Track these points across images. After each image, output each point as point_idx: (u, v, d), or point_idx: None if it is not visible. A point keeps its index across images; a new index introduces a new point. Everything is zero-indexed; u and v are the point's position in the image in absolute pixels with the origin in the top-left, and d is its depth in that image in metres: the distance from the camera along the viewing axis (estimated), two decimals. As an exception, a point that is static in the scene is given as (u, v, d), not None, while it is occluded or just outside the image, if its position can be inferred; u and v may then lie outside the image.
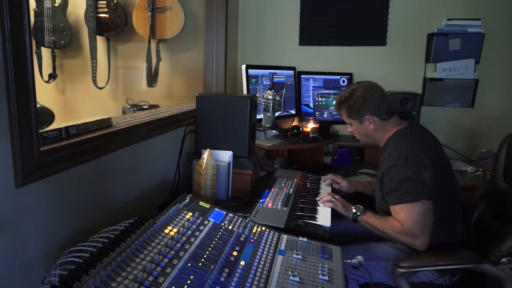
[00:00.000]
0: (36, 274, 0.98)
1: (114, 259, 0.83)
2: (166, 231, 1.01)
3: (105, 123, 1.31)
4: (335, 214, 1.51)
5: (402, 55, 2.68)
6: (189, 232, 1.04)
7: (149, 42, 2.86)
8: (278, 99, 2.07)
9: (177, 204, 1.16)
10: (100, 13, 2.80)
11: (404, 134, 1.54)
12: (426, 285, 1.45)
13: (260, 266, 0.99)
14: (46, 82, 2.89)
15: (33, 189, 0.94)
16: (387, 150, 1.52)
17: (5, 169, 0.86)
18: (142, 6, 2.82)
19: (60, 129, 1.07)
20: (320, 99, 2.60)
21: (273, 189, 1.68)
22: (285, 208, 1.48)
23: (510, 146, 1.59)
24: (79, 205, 1.14)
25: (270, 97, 2.02)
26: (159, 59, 2.92)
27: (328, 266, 1.04)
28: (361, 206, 1.49)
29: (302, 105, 2.56)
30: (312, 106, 2.58)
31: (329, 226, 1.39)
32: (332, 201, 1.54)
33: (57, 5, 2.76)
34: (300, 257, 1.06)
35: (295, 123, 2.49)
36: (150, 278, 0.81)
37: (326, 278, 0.97)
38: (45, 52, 2.85)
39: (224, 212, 1.22)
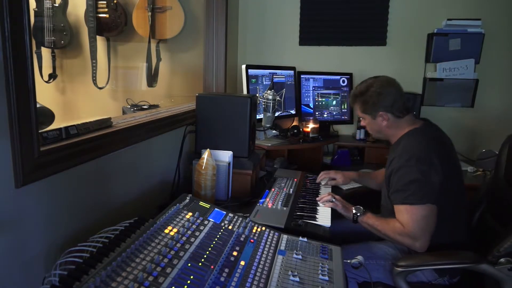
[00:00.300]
0: (36, 274, 0.98)
1: (114, 259, 0.83)
2: (166, 231, 1.01)
3: (105, 123, 1.31)
4: (334, 214, 1.51)
5: (402, 55, 2.68)
6: (189, 232, 1.04)
7: (149, 42, 2.86)
8: (278, 99, 2.07)
9: (177, 204, 1.16)
10: (100, 13, 2.80)
11: (417, 134, 1.50)
12: (425, 285, 1.45)
13: (260, 266, 0.99)
14: (46, 82, 2.89)
15: (33, 189, 0.94)
16: (398, 148, 1.49)
17: (5, 169, 0.86)
18: (142, 6, 2.82)
19: (60, 129, 1.07)
20: (320, 99, 2.60)
21: (273, 189, 1.68)
22: (285, 208, 1.48)
23: (511, 147, 1.58)
24: (79, 205, 1.14)
25: (270, 97, 2.02)
26: (159, 59, 2.92)
27: (328, 266, 1.04)
28: (361, 207, 1.49)
29: (302, 105, 2.56)
30: (312, 106, 2.58)
31: (329, 226, 1.39)
32: (332, 201, 1.54)
33: (57, 5, 2.76)
34: (300, 257, 1.06)
35: (295, 123, 2.49)
36: (150, 278, 0.81)
37: (326, 278, 0.97)
38: (45, 52, 2.85)
39: (224, 212, 1.22)
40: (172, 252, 0.92)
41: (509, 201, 1.53)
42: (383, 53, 2.70)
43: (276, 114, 2.14)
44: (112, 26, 2.84)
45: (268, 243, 1.12)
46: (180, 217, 1.10)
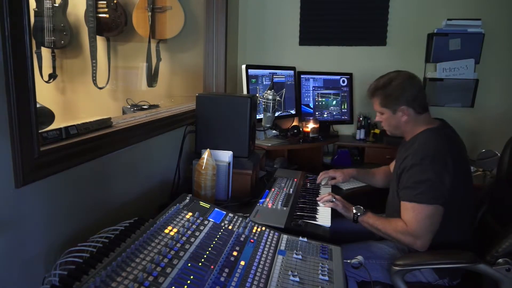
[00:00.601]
0: (36, 274, 0.98)
1: (114, 259, 0.83)
2: (166, 231, 1.01)
3: (105, 123, 1.31)
4: (334, 213, 1.51)
5: (402, 55, 2.68)
6: (189, 232, 1.04)
7: (149, 42, 2.86)
8: (278, 99, 2.07)
9: (177, 204, 1.16)
10: (100, 13, 2.80)
11: (434, 133, 1.48)
12: (425, 285, 1.45)
13: (260, 266, 0.99)
14: (46, 82, 2.89)
15: (33, 189, 0.94)
16: (413, 146, 1.47)
17: (5, 169, 0.86)
18: (142, 6, 2.82)
19: (60, 129, 1.07)
20: (320, 99, 2.60)
21: (273, 189, 1.68)
22: (285, 208, 1.48)
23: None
24: (79, 205, 1.14)
25: (270, 97, 2.02)
26: (159, 59, 2.92)
27: (328, 266, 1.04)
28: (361, 207, 1.49)
29: (302, 105, 2.56)
30: (312, 106, 2.58)
31: (329, 226, 1.39)
32: (332, 201, 1.54)
33: (57, 5, 2.76)
34: (300, 257, 1.06)
35: (295, 123, 2.49)
36: (150, 278, 0.81)
37: (326, 278, 0.97)
38: (45, 52, 2.85)
39: (224, 212, 1.22)
40: (172, 252, 0.92)
41: (510, 202, 1.53)
42: (383, 53, 2.70)
43: (276, 114, 2.14)
44: (112, 26, 2.84)
45: (268, 243, 1.12)
46: (180, 217, 1.10)
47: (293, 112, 2.54)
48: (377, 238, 1.63)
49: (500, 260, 1.25)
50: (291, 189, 1.71)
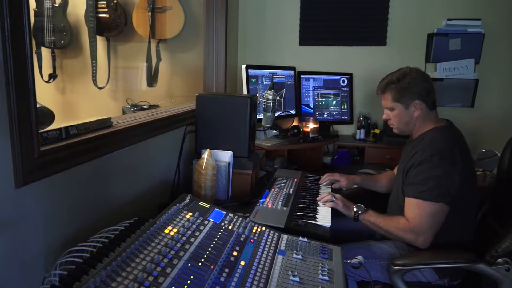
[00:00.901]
0: (36, 274, 0.98)
1: (114, 259, 0.83)
2: (166, 231, 1.01)
3: (105, 123, 1.31)
4: (334, 213, 1.51)
5: (402, 55, 2.67)
6: (189, 232, 1.04)
7: (149, 42, 2.86)
8: (278, 99, 2.07)
9: (177, 204, 1.16)
10: (100, 13, 2.80)
11: (443, 132, 1.49)
12: (424, 285, 1.45)
13: (260, 266, 0.99)
14: (46, 82, 2.89)
15: (33, 189, 0.94)
16: (421, 143, 1.47)
17: (5, 169, 0.86)
18: (142, 6, 2.82)
19: (60, 129, 1.07)
20: (320, 99, 2.60)
21: (273, 189, 1.68)
22: (285, 208, 1.48)
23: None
24: (79, 205, 1.14)
25: (270, 97, 2.02)
26: (159, 59, 2.92)
27: (328, 266, 1.04)
28: (362, 205, 1.49)
29: (302, 105, 2.56)
30: (312, 106, 2.58)
31: (329, 226, 1.39)
32: (333, 201, 1.54)
33: (57, 5, 2.76)
34: (300, 257, 1.06)
35: (295, 123, 2.49)
36: (150, 278, 0.81)
37: (326, 278, 0.97)
38: (45, 52, 2.85)
39: (224, 212, 1.22)
40: (172, 252, 0.92)
41: (510, 202, 1.53)
42: (383, 53, 2.70)
43: (276, 114, 2.14)
44: (112, 26, 2.84)
45: (268, 243, 1.12)
46: (180, 217, 1.10)
47: (293, 112, 2.54)
48: (377, 238, 1.63)
49: (499, 260, 1.25)
50: (291, 189, 1.71)
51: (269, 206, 1.49)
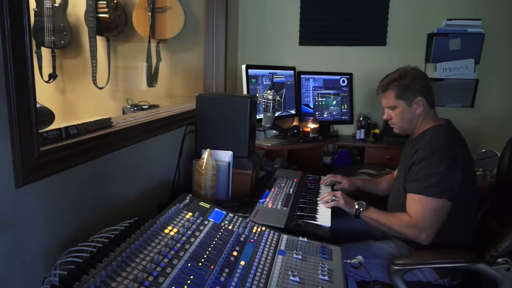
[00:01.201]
0: (36, 274, 0.98)
1: (114, 259, 0.83)
2: (166, 231, 1.01)
3: (105, 123, 1.31)
4: (334, 213, 1.51)
5: (402, 55, 2.67)
6: (189, 232, 1.04)
7: (149, 42, 2.86)
8: (278, 99, 2.07)
9: (177, 204, 1.16)
10: (100, 13, 2.80)
11: (444, 129, 1.51)
12: (424, 284, 1.45)
13: (260, 266, 0.99)
14: (46, 82, 2.89)
15: (33, 189, 0.94)
16: (422, 140, 1.48)
17: (5, 169, 0.86)
18: (142, 6, 2.82)
19: (60, 129, 1.07)
20: (320, 99, 2.61)
21: (273, 189, 1.68)
22: (285, 208, 1.48)
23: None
24: (79, 205, 1.14)
25: (270, 97, 2.02)
26: (159, 59, 2.92)
27: (328, 266, 1.04)
28: (363, 202, 1.49)
29: (302, 105, 2.56)
30: (312, 106, 2.58)
31: (329, 226, 1.39)
32: (333, 200, 1.53)
33: (57, 5, 2.76)
34: (300, 257, 1.06)
35: (295, 123, 2.49)
36: (150, 278, 0.81)
37: (326, 278, 0.97)
38: (45, 52, 2.85)
39: (224, 212, 1.22)
40: (172, 252, 0.92)
41: (510, 202, 1.53)
42: (383, 53, 2.70)
43: (276, 114, 2.14)
44: (112, 26, 2.84)
45: (268, 243, 1.12)
46: (180, 217, 1.10)
47: (293, 112, 2.54)
48: (377, 238, 1.63)
49: (499, 259, 1.25)
50: (291, 189, 1.71)
51: (269, 206, 1.49)
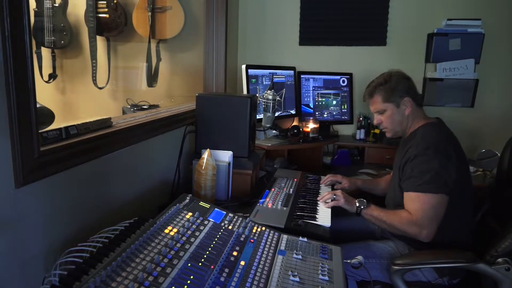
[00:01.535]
0: (36, 274, 0.98)
1: (114, 259, 0.83)
2: (166, 231, 1.01)
3: (105, 123, 1.31)
4: (334, 213, 1.51)
5: (402, 55, 2.68)
6: (189, 232, 1.04)
7: (149, 42, 2.86)
8: (278, 99, 2.07)
9: (177, 204, 1.16)
10: (100, 13, 2.80)
11: (435, 126, 1.53)
12: (424, 284, 1.45)
13: (260, 266, 0.99)
14: (46, 82, 2.89)
15: (33, 189, 0.94)
16: (414, 139, 1.50)
17: (5, 169, 0.86)
18: (142, 6, 2.82)
19: (60, 129, 1.07)
20: (320, 99, 2.61)
21: (273, 189, 1.68)
22: (285, 208, 1.48)
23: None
24: (79, 205, 1.14)
25: (270, 97, 2.02)
26: (159, 59, 2.92)
27: (328, 266, 1.04)
28: (364, 200, 1.49)
29: (302, 105, 2.56)
30: (312, 106, 2.58)
31: (329, 226, 1.39)
32: (334, 199, 1.53)
33: (57, 5, 2.76)
34: (300, 257, 1.06)
35: (295, 123, 2.49)
36: (150, 278, 0.81)
37: (326, 278, 0.97)
38: (45, 52, 2.85)
39: (224, 212, 1.22)
40: (172, 252, 0.92)
41: (510, 202, 1.53)
42: (383, 53, 2.70)
43: (276, 114, 2.14)
44: (112, 26, 2.84)
45: (268, 243, 1.12)
46: (180, 217, 1.10)
47: (293, 112, 2.54)
48: (377, 238, 1.63)
49: (499, 259, 1.25)
50: (291, 189, 1.71)
51: (269, 206, 1.49)
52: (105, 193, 1.28)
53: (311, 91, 2.59)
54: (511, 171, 1.58)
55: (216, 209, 1.22)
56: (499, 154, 1.90)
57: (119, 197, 1.36)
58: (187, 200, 1.21)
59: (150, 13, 2.81)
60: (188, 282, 0.84)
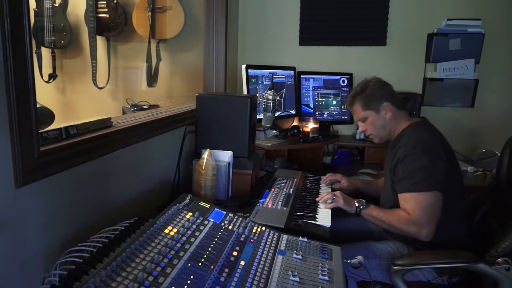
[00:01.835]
0: (36, 274, 0.98)
1: (114, 259, 0.83)
2: (166, 231, 1.01)
3: (105, 123, 1.31)
4: (334, 213, 1.51)
5: (402, 55, 2.68)
6: (189, 232, 1.04)
7: (149, 42, 2.86)
8: (278, 99, 2.07)
9: (177, 204, 1.16)
10: (100, 13, 2.80)
11: (419, 127, 1.54)
12: (424, 284, 1.45)
13: (260, 266, 0.99)
14: (46, 82, 2.89)
15: (33, 189, 0.94)
16: (401, 140, 1.52)
17: (5, 169, 0.86)
18: (142, 6, 2.82)
19: (60, 129, 1.07)
20: (320, 99, 2.60)
21: (273, 189, 1.68)
22: (285, 208, 1.48)
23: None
24: (79, 205, 1.14)
25: (270, 97, 2.02)
26: (159, 59, 2.92)
27: (328, 266, 1.04)
28: (363, 200, 1.49)
29: (302, 105, 2.56)
30: (312, 106, 2.58)
31: (329, 226, 1.39)
32: (333, 199, 1.53)
33: (57, 5, 2.76)
34: (300, 257, 1.06)
35: (295, 123, 2.49)
36: (150, 278, 0.81)
37: (326, 278, 0.97)
38: (45, 52, 2.85)
39: (224, 212, 1.22)
40: (172, 252, 0.92)
41: (510, 202, 1.53)
42: (383, 53, 2.70)
43: (276, 114, 2.14)
44: (112, 26, 2.84)
45: (268, 243, 1.12)
46: (180, 217, 1.10)
47: (293, 112, 2.54)
48: (377, 238, 1.63)
49: (499, 259, 1.25)
50: (291, 189, 1.71)
51: (269, 206, 1.49)
52: (105, 193, 1.28)
53: (311, 91, 2.59)
54: (511, 171, 1.58)
55: (216, 209, 1.22)
56: (499, 154, 1.90)
57: (119, 197, 1.36)
58: (187, 200, 1.21)
59: (150, 13, 2.81)
60: (188, 282, 0.84)
